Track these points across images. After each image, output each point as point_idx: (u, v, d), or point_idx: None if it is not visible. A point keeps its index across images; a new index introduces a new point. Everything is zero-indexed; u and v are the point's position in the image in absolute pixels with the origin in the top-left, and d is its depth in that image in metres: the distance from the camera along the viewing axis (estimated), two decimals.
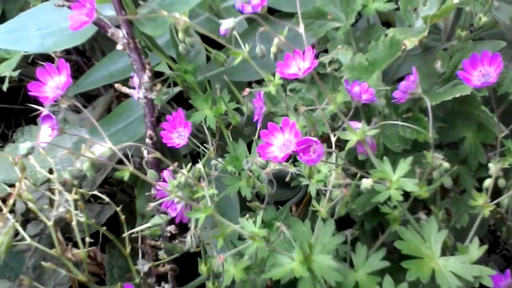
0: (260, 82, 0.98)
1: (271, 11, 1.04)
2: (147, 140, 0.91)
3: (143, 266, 0.89)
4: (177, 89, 0.99)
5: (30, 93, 0.70)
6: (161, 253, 0.90)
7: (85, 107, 1.27)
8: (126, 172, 0.66)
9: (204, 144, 0.91)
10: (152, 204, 0.70)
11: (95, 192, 0.86)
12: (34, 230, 1.13)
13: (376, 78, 0.82)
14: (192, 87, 0.92)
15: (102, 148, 0.67)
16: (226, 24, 0.70)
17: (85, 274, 0.83)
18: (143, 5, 0.87)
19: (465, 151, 0.91)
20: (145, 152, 0.82)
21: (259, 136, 0.77)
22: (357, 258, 0.78)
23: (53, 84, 0.70)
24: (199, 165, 0.75)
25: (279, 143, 0.72)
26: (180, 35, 0.75)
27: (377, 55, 0.83)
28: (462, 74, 0.74)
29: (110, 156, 0.67)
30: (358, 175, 0.71)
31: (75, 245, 0.88)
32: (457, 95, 0.80)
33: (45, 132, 0.69)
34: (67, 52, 1.29)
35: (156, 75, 0.96)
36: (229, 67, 0.87)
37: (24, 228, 0.85)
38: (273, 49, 0.72)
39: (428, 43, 0.93)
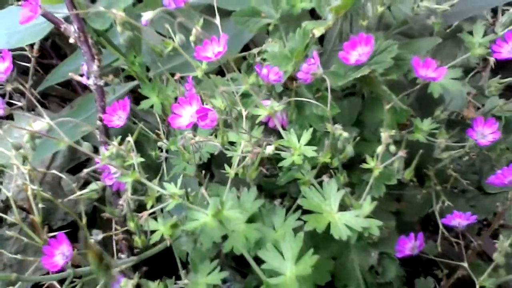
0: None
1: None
2: (98, 122, 1.03)
3: (97, 236, 1.00)
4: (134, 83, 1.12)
5: None
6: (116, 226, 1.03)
7: (63, 106, 1.41)
8: (61, 144, 0.79)
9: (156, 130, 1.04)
10: (85, 170, 0.83)
11: (54, 171, 0.99)
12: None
13: (294, 65, 0.95)
14: (141, 78, 1.05)
15: (41, 124, 0.80)
16: (146, 16, 0.83)
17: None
18: (93, 5, 1.01)
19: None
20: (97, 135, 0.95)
21: None
22: (276, 219, 0.90)
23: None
24: (130, 139, 0.86)
25: (187, 114, 0.85)
26: (119, 28, 0.88)
27: (294, 45, 0.95)
28: (342, 54, 0.86)
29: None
30: (264, 143, 0.84)
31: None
32: (358, 76, 0.91)
33: None
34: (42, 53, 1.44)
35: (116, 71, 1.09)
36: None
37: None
38: (191, 38, 0.85)
39: None
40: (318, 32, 0.92)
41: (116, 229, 1.02)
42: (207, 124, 0.82)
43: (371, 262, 1.02)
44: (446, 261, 1.10)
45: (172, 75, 1.00)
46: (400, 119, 1.01)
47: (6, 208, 1.21)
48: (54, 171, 0.99)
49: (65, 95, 1.51)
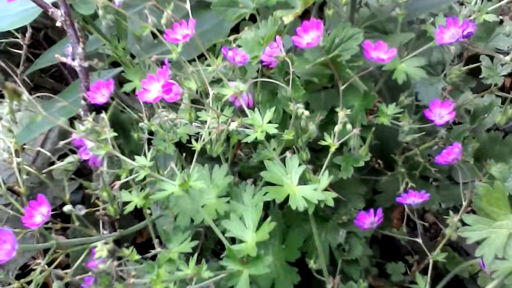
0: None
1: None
2: (82, 102, 1.10)
3: (80, 210, 1.05)
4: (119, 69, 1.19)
5: None
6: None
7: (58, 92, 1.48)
8: (38, 117, 0.85)
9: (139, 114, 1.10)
10: (61, 142, 0.89)
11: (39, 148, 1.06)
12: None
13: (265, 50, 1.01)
14: (124, 62, 1.12)
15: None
16: None
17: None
18: None
19: (352, 116, 1.07)
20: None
21: None
22: (245, 195, 0.96)
23: None
24: (104, 115, 0.91)
25: (155, 89, 0.91)
26: (101, 12, 0.95)
27: (266, 31, 1.02)
28: (295, 38, 0.93)
29: None
30: (229, 120, 0.90)
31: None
32: (323, 59, 0.98)
33: None
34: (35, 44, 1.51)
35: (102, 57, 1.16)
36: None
37: None
38: (162, 21, 0.92)
39: None
40: (286, 19, 0.98)
41: (97, 205, 1.07)
42: (171, 98, 0.88)
43: (339, 240, 1.08)
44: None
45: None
46: (368, 105, 1.06)
47: None
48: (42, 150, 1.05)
49: (57, 88, 1.58)
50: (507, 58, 1.09)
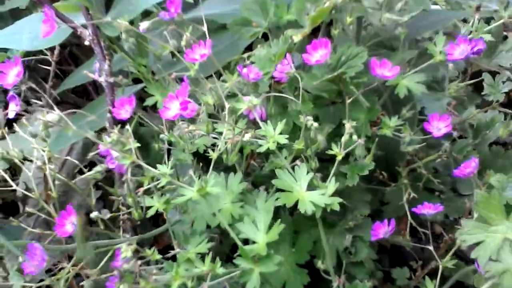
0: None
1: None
2: (108, 115, 1.19)
3: (105, 215, 1.14)
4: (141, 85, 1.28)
5: None
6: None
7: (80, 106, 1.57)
8: (68, 130, 0.94)
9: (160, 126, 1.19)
10: (90, 154, 0.98)
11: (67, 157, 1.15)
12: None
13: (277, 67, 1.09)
14: (147, 79, 1.21)
15: (53, 115, 0.95)
16: (143, 25, 1.00)
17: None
18: (107, 15, 1.17)
19: (358, 128, 1.15)
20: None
21: None
22: (259, 201, 1.04)
23: (12, 74, 0.98)
24: (128, 127, 0.99)
25: (175, 107, 1.00)
26: (124, 36, 1.04)
27: (277, 49, 1.10)
28: (305, 56, 1.01)
29: None
30: (243, 132, 0.98)
31: None
32: (329, 76, 1.06)
33: (12, 108, 0.99)
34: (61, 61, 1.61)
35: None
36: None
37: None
38: (182, 43, 1.00)
39: None
40: (296, 38, 1.07)
41: (121, 210, 1.16)
42: (188, 114, 0.98)
43: (346, 244, 1.16)
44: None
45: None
46: (371, 117, 1.14)
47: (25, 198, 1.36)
48: (70, 159, 1.14)
49: (79, 103, 1.68)
50: (508, 73, 1.16)
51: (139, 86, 1.29)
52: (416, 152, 1.25)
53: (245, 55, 1.19)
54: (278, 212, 1.11)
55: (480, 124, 1.33)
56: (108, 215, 1.14)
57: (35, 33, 1.24)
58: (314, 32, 1.15)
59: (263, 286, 1.06)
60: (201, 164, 1.15)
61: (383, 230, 1.08)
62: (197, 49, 1.00)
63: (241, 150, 1.10)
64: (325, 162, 1.14)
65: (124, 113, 1.08)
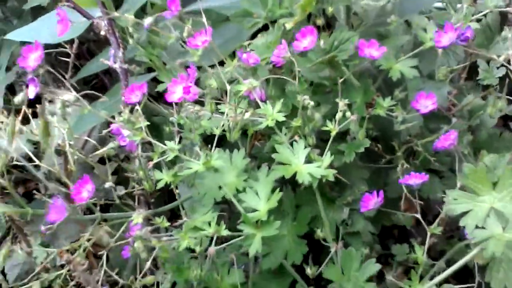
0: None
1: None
2: (122, 98, 1.27)
3: (120, 190, 1.23)
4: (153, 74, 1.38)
5: (20, 65, 1.09)
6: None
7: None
8: (85, 111, 1.04)
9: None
10: (104, 131, 1.08)
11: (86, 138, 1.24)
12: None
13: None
14: (158, 66, 1.30)
15: (69, 96, 1.05)
16: (147, 21, 1.11)
17: None
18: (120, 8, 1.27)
19: (355, 110, 1.22)
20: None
21: None
22: (261, 174, 1.11)
23: (33, 57, 1.08)
24: (138, 107, 1.08)
25: (179, 91, 1.11)
26: (131, 29, 1.14)
27: (273, 37, 1.20)
28: (295, 43, 1.12)
29: None
30: (243, 111, 1.07)
31: None
32: (320, 59, 1.15)
33: (31, 90, 1.08)
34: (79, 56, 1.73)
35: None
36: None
37: None
38: (184, 34, 1.10)
39: None
40: (288, 25, 1.16)
41: (134, 187, 1.25)
42: (191, 97, 1.09)
43: (343, 217, 1.25)
44: None
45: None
46: (367, 99, 1.23)
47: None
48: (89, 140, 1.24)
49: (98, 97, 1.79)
50: (501, 59, 1.23)
51: (151, 74, 1.38)
52: (416, 136, 1.32)
53: (246, 43, 1.28)
54: (281, 189, 1.20)
55: (475, 106, 1.40)
56: (123, 191, 1.23)
57: (53, 28, 1.34)
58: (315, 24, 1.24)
59: (268, 256, 1.16)
60: (209, 145, 1.24)
61: (373, 201, 1.16)
62: (199, 36, 1.10)
63: (246, 132, 1.19)
64: (325, 141, 1.24)
65: (134, 97, 1.17)
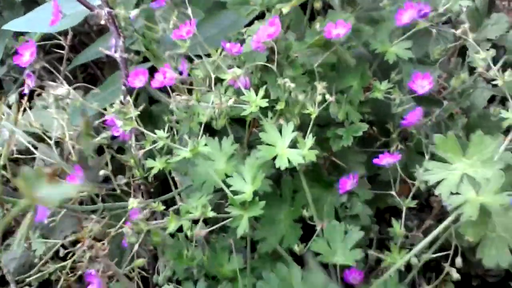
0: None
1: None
2: (122, 87, 1.29)
3: (121, 180, 1.25)
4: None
5: (15, 62, 1.13)
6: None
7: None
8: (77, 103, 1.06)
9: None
10: (96, 122, 1.10)
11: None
12: None
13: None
14: (155, 55, 1.32)
15: (62, 90, 1.07)
16: (133, 12, 1.17)
17: None
18: None
19: (351, 95, 1.24)
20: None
21: None
22: (248, 160, 1.12)
23: (28, 54, 1.11)
24: (129, 98, 1.12)
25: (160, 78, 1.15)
26: (122, 23, 1.18)
27: None
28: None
29: None
30: (228, 98, 1.09)
31: None
32: (315, 38, 1.16)
33: (27, 84, 1.11)
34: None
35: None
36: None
37: None
38: (170, 25, 1.13)
39: None
40: (285, 10, 1.17)
41: (133, 176, 1.27)
42: (167, 82, 1.14)
43: (342, 200, 1.25)
44: None
45: None
46: (363, 83, 1.24)
47: None
48: None
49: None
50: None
51: (148, 64, 1.39)
52: None
53: (243, 30, 1.29)
54: (280, 176, 1.23)
55: (464, 87, 1.40)
56: (124, 180, 1.25)
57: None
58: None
59: (264, 240, 1.17)
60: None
61: (349, 183, 1.20)
62: (183, 27, 1.11)
63: (243, 120, 1.21)
64: (322, 127, 1.25)
65: (138, 82, 1.20)
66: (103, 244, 1.13)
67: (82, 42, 1.86)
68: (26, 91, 1.10)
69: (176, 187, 1.29)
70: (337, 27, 1.14)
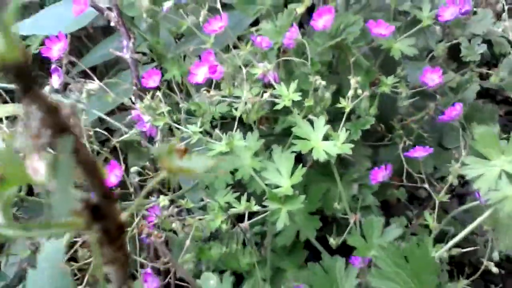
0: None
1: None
2: (133, 87, 1.31)
3: (134, 179, 1.26)
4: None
5: (43, 55, 1.14)
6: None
7: None
8: (109, 98, 1.07)
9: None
10: (127, 118, 1.11)
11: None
12: None
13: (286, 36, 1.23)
14: (163, 54, 1.34)
15: (93, 85, 1.08)
16: (167, 4, 1.14)
17: None
18: None
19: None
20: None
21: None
22: (275, 154, 1.16)
23: (56, 48, 1.12)
24: (159, 93, 1.13)
25: (202, 72, 1.14)
26: (144, 14, 1.18)
27: (282, 22, 1.24)
28: (313, 22, 1.16)
29: None
30: (261, 92, 1.12)
31: None
32: (333, 43, 1.21)
33: (55, 79, 1.11)
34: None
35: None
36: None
37: None
38: (200, 19, 1.15)
39: None
40: (299, 10, 1.21)
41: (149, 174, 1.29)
42: (216, 76, 1.12)
43: (353, 192, 1.30)
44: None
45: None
46: (370, 79, 1.29)
47: None
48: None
49: None
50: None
51: (153, 65, 1.41)
52: (407, 113, 1.39)
53: (253, 29, 1.32)
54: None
55: (460, 82, 1.48)
56: (137, 178, 1.26)
57: (58, 19, 1.37)
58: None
59: (279, 234, 1.21)
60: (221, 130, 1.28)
61: (381, 174, 1.23)
62: (214, 22, 1.14)
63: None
64: (331, 121, 1.29)
65: (152, 82, 1.22)
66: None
67: (85, 45, 1.85)
68: (56, 85, 1.11)
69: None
70: (379, 27, 1.20)
